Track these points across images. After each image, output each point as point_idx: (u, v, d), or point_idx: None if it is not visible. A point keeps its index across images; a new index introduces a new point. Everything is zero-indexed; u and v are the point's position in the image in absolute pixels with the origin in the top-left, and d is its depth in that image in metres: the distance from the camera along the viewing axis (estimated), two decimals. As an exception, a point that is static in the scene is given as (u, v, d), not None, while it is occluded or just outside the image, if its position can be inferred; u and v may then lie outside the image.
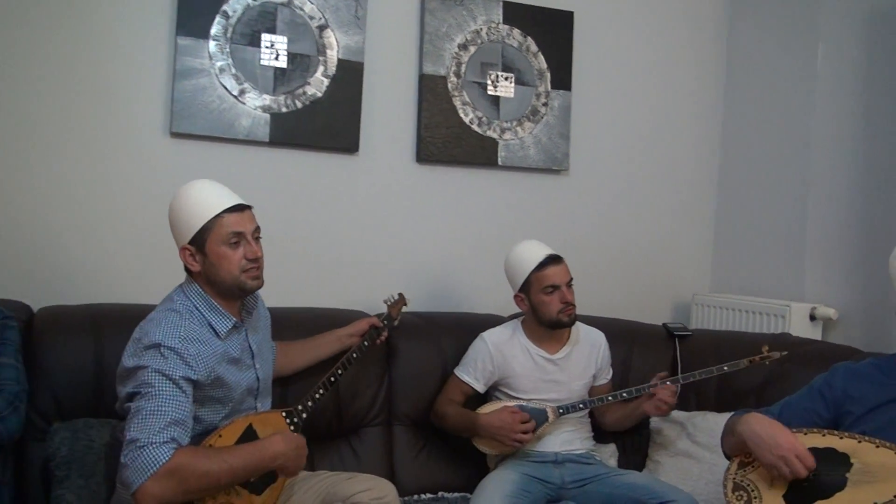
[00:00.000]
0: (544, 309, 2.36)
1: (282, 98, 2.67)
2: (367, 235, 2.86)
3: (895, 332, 2.47)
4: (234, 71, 2.61)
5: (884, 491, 1.56)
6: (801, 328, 2.77)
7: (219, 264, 1.81)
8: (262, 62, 2.64)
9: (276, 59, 2.66)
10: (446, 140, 2.90)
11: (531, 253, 2.39)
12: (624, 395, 2.36)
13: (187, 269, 1.87)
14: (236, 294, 1.88)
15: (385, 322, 2.41)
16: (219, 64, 2.59)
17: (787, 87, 3.04)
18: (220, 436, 1.78)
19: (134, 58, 2.54)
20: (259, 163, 2.69)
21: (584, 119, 3.14)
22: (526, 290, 2.39)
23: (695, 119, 3.34)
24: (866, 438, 1.69)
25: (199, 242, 1.82)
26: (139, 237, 2.54)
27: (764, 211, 3.13)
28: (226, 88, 2.60)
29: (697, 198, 3.36)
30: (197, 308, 1.83)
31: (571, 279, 2.39)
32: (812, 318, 2.80)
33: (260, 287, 1.90)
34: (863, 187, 2.74)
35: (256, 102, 2.64)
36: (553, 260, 2.37)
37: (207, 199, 1.84)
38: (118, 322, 2.11)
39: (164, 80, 2.57)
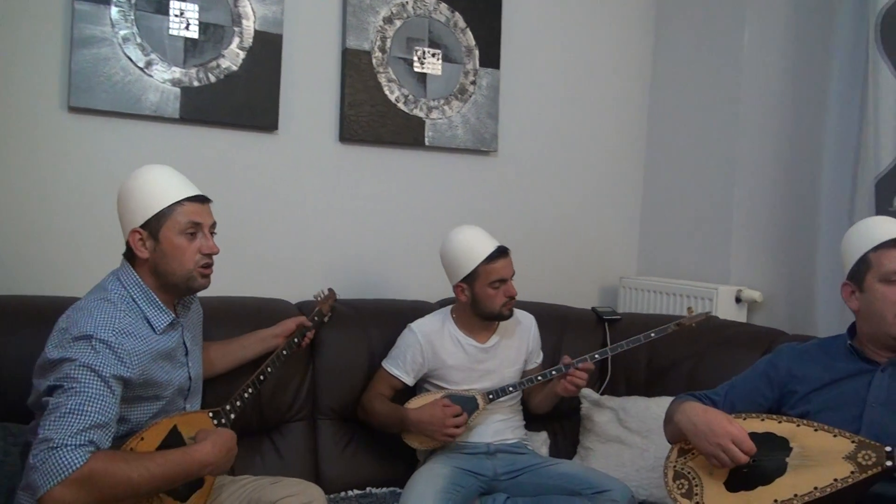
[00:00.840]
0: (488, 302, 2.27)
1: (193, 71, 2.48)
2: (287, 219, 2.71)
3: (817, 313, 2.50)
4: (139, 40, 2.40)
5: (823, 475, 1.55)
6: (728, 310, 2.80)
7: (171, 254, 1.70)
8: (171, 32, 2.45)
9: (187, 28, 2.47)
10: (371, 119, 2.77)
11: (479, 243, 2.28)
12: (553, 372, 2.29)
13: (129, 256, 1.73)
14: (181, 291, 1.76)
15: (316, 318, 2.29)
16: (122, 32, 2.38)
17: (714, 70, 3.04)
18: (143, 438, 1.63)
19: (26, 24, 2.30)
20: (168, 141, 2.49)
21: (513, 99, 3.07)
22: (470, 282, 2.28)
23: (622, 101, 3.32)
24: (804, 422, 1.69)
25: (153, 228, 1.70)
26: (32, 221, 2.32)
27: (690, 195, 3.13)
28: (130, 59, 2.39)
29: (624, 181, 3.35)
30: (134, 300, 1.69)
31: (514, 272, 2.32)
32: (738, 300, 2.82)
33: (206, 287, 1.78)
34: (787, 172, 2.76)
35: (165, 75, 2.44)
36: (502, 253, 2.28)
37: (168, 184, 1.74)
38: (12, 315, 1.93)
39: (60, 48, 2.34)
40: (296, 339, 2.19)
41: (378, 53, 2.77)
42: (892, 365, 1.70)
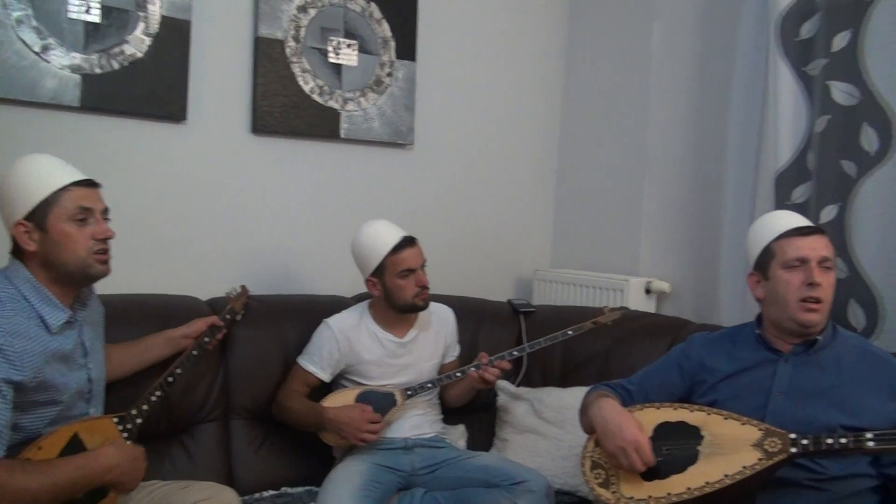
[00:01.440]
0: (399, 293, 2.26)
1: (95, 57, 2.35)
2: (196, 213, 2.61)
3: (722, 303, 2.60)
4: (34, 23, 2.26)
5: (733, 462, 1.61)
6: (638, 301, 2.87)
7: (62, 243, 1.60)
8: (70, 15, 2.31)
9: (87, 12, 2.33)
10: (284, 110, 2.70)
11: (384, 235, 2.28)
12: (472, 369, 2.29)
13: (16, 251, 1.62)
14: (78, 280, 1.66)
15: (228, 316, 2.21)
16: (15, 14, 2.23)
17: (625, 66, 3.11)
18: (40, 448, 1.54)
19: None
20: (68, 131, 2.35)
21: (429, 92, 3.05)
22: (379, 275, 2.27)
23: (537, 95, 3.35)
24: (714, 410, 1.75)
25: (39, 218, 1.60)
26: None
27: (602, 189, 3.20)
28: (24, 43, 2.24)
29: (539, 174, 3.39)
30: (25, 297, 1.58)
31: (425, 261, 2.31)
32: (647, 291, 2.90)
33: (107, 274, 1.69)
34: (694, 167, 2.85)
35: (63, 61, 2.30)
36: (408, 242, 2.28)
37: (51, 171, 1.64)
38: None
39: (-56, 29, 2.18)
40: (206, 339, 2.11)
41: (292, 43, 2.70)
42: (794, 355, 1.78)
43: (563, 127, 3.41)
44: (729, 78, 2.59)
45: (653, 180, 2.99)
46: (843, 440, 1.53)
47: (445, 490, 2.20)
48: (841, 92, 2.25)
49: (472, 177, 3.21)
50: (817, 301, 1.72)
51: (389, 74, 2.91)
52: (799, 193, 2.36)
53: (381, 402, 2.23)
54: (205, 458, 2.21)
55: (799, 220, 1.84)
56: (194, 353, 2.06)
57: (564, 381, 2.58)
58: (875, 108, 2.17)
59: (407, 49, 2.95)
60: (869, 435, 1.50)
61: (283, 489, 2.28)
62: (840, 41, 2.25)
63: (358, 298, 2.53)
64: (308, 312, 2.41)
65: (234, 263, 2.65)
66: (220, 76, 2.61)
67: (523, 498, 2.08)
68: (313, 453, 2.32)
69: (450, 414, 2.49)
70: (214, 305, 2.33)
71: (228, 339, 2.28)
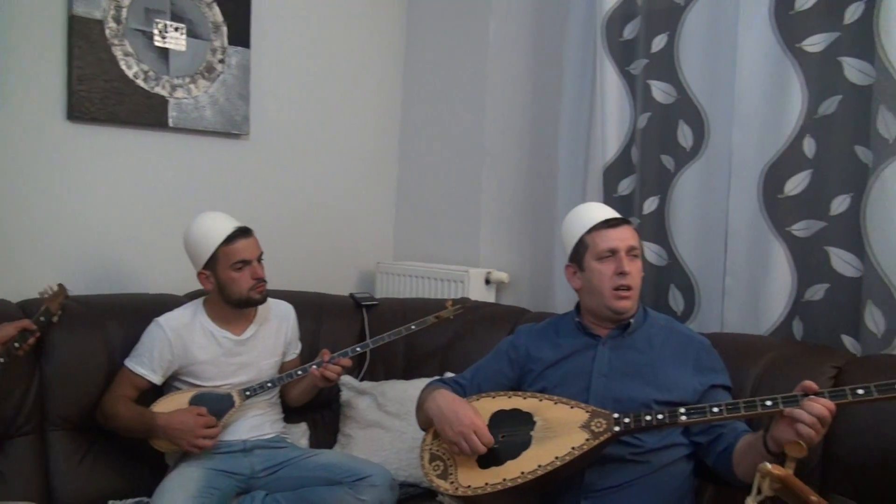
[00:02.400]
0: (234, 286, 2.17)
1: None
2: (5, 207, 2.38)
3: (556, 292, 2.70)
4: None
5: (562, 445, 1.67)
6: (478, 292, 2.93)
7: None
8: None
9: None
10: (105, 95, 2.52)
11: (217, 226, 2.18)
12: (314, 367, 2.23)
13: None
14: None
15: (42, 319, 2.03)
16: None
17: (464, 59, 3.15)
18: None
19: None
20: None
21: (265, 80, 2.95)
22: (212, 267, 2.17)
23: (377, 86, 3.33)
24: (546, 396, 1.81)
25: None
26: None
27: (443, 181, 3.23)
28: None
29: (380, 166, 3.37)
30: None
31: (262, 253, 2.24)
32: (487, 282, 2.97)
33: None
34: (530, 161, 2.93)
35: None
36: (242, 233, 2.19)
37: None
38: None
39: None
40: (16, 344, 1.93)
41: (112, 24, 2.52)
42: (611, 338, 1.88)
43: (403, 118, 3.41)
44: (560, 75, 2.68)
45: (491, 173, 3.06)
46: (659, 416, 1.64)
47: (287, 491, 2.15)
48: (660, 91, 2.39)
49: (312, 168, 3.14)
50: (628, 288, 1.83)
51: (222, 61, 2.79)
52: (625, 186, 2.49)
53: (217, 405, 2.13)
54: (18, 476, 2.04)
55: (607, 212, 1.93)
56: (1, 360, 1.87)
57: (408, 374, 2.59)
58: (690, 107, 2.33)
59: (240, 35, 2.83)
60: (682, 410, 1.62)
61: (111, 502, 2.13)
62: (658, 43, 2.39)
63: (191, 296, 2.41)
64: (135, 312, 2.28)
65: (51, 262, 2.45)
66: (29, 57, 2.39)
67: (367, 493, 2.07)
68: (144, 462, 2.19)
69: (291, 413, 2.44)
70: (27, 308, 2.14)
71: (44, 343, 2.10)
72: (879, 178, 1.89)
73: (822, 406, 1.42)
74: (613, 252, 1.84)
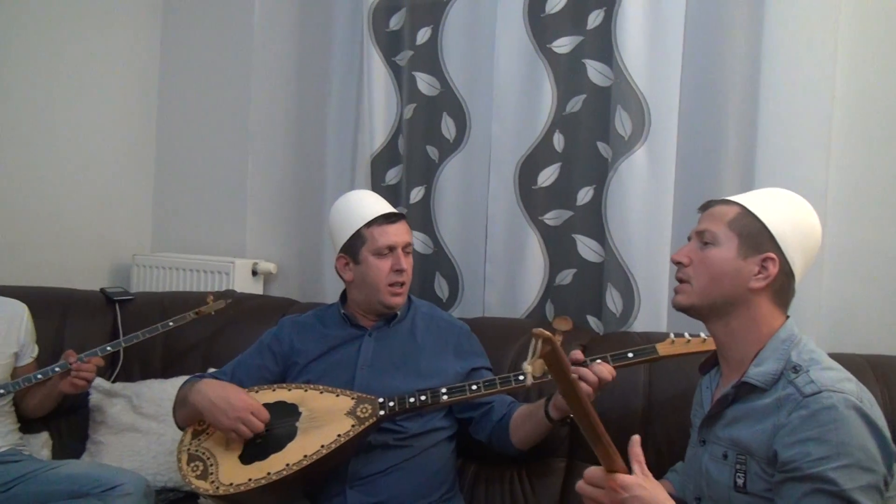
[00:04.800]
0: None
1: None
2: None
3: (326, 282, 2.68)
4: None
5: (329, 433, 1.66)
6: (245, 283, 2.83)
7: None
8: None
9: None
10: None
11: None
12: (57, 369, 2.05)
13: None
14: None
15: None
16: None
17: (227, 40, 3.01)
18: None
19: None
20: None
21: (12, 66, 2.64)
22: None
23: (130, 69, 3.09)
24: (311, 386, 1.79)
25: None
26: None
27: (205, 169, 3.08)
28: None
29: (135, 154, 3.14)
30: None
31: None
32: (254, 273, 2.87)
33: None
34: (297, 149, 2.88)
35: None
36: None
37: None
38: None
39: None
40: None
41: None
42: (377, 329, 1.90)
43: (161, 103, 3.19)
44: (328, 61, 2.66)
45: (257, 160, 2.96)
46: (423, 398, 1.70)
47: (26, 508, 1.92)
48: (425, 83, 2.45)
49: (58, 154, 2.85)
50: (402, 285, 1.87)
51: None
52: (392, 175, 2.52)
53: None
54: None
55: (384, 205, 1.94)
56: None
57: (167, 372, 2.43)
58: (453, 100, 2.41)
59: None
60: (443, 390, 1.70)
61: None
62: (423, 35, 2.44)
63: None
64: None
65: None
66: None
67: (118, 503, 1.91)
68: None
69: (29, 422, 2.21)
70: None
71: None
72: (617, 171, 2.08)
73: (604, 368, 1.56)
74: (392, 249, 1.85)
